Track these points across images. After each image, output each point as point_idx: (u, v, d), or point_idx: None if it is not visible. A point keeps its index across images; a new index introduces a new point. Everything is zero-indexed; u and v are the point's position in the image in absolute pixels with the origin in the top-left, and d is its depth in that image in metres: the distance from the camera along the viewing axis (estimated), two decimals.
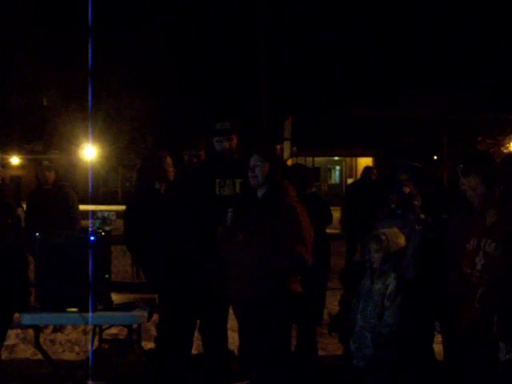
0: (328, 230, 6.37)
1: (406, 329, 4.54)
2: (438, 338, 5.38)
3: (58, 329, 7.09)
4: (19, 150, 37.91)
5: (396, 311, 4.52)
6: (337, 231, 13.15)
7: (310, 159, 31.80)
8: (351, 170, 37.33)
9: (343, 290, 5.42)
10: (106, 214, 5.14)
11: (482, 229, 4.04)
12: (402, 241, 4.76)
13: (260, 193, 4.76)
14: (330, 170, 38.82)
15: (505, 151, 31.19)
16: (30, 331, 5.95)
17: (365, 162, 34.97)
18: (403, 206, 5.25)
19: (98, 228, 5.02)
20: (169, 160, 5.75)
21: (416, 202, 5.23)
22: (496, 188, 4.04)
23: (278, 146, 8.23)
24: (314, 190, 6.40)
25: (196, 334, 5.82)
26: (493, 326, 3.86)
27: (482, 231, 4.03)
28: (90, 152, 31.41)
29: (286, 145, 34.97)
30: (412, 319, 4.58)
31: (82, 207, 8.39)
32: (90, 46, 17.48)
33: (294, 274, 4.63)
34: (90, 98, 24.14)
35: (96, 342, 5.98)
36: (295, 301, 4.69)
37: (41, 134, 34.63)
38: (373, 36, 34.34)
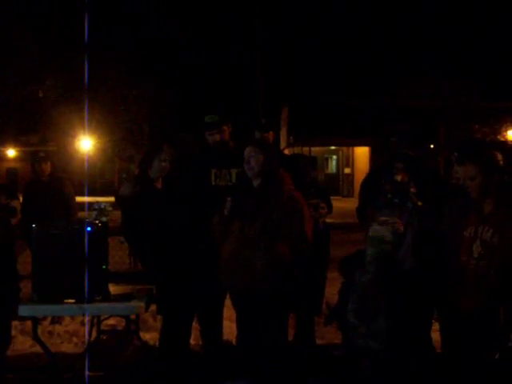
0: (327, 220, 6.37)
1: (403, 318, 4.54)
2: (436, 325, 5.38)
3: (56, 320, 7.09)
4: (15, 143, 37.80)
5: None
6: (337, 221, 13.16)
7: (306, 149, 31.81)
8: (348, 159, 37.34)
9: (343, 280, 5.42)
10: (102, 206, 5.15)
11: (479, 217, 4.05)
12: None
13: (256, 183, 4.77)
14: (326, 159, 38.82)
15: (501, 139, 31.18)
16: (28, 323, 5.94)
17: (361, 151, 34.95)
18: (399, 194, 5.24)
19: (95, 219, 5.03)
20: (164, 155, 5.63)
21: (412, 189, 5.22)
22: (494, 177, 4.03)
23: (270, 134, 8.03)
24: (312, 175, 6.44)
25: (194, 324, 5.82)
26: (491, 312, 3.88)
27: (479, 219, 4.03)
28: (86, 144, 31.34)
29: (283, 134, 34.96)
30: (409, 308, 4.59)
31: (78, 199, 8.38)
32: (86, 37, 17.44)
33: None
34: (85, 89, 24.08)
35: (94, 333, 5.98)
36: (293, 289, 4.70)
37: (37, 126, 34.53)
38: (369, 25, 34.32)
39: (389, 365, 4.55)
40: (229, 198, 4.74)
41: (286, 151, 27.65)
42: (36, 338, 5.20)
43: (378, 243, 4.52)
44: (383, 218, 4.74)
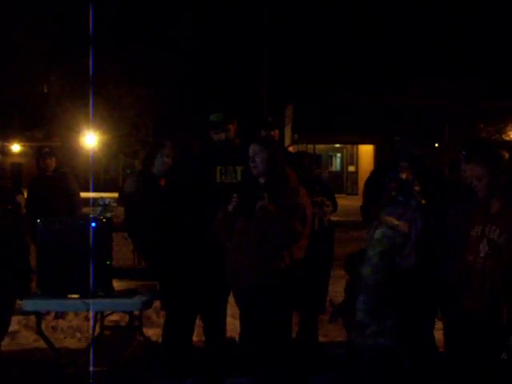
0: (332, 218, 6.37)
1: (406, 317, 4.54)
2: (439, 324, 5.38)
3: (60, 315, 7.10)
4: (20, 138, 37.88)
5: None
6: (342, 219, 13.17)
7: (310, 146, 31.79)
8: (352, 157, 37.33)
9: (349, 277, 5.42)
10: (107, 201, 5.15)
11: (486, 216, 4.04)
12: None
13: (262, 180, 4.77)
14: (331, 157, 38.81)
15: (506, 139, 31.15)
16: (32, 317, 5.95)
17: (366, 149, 34.92)
18: (404, 192, 5.24)
19: (100, 215, 5.03)
20: (167, 151, 5.63)
21: (416, 188, 5.22)
22: (502, 177, 4.03)
23: (275, 132, 7.93)
24: (316, 173, 6.43)
25: (197, 320, 5.83)
26: (494, 312, 3.88)
27: (486, 218, 4.03)
28: (90, 139, 31.38)
29: (287, 131, 34.94)
30: (411, 308, 4.58)
31: (83, 194, 8.39)
32: (91, 33, 17.44)
33: (286, 247, 4.61)
34: (90, 84, 24.09)
35: (98, 329, 5.99)
36: (294, 283, 4.69)
37: (41, 121, 34.58)
38: (376, 24, 34.27)
39: (399, 363, 4.54)
40: (235, 195, 4.73)
41: (291, 149, 27.64)
42: (40, 333, 5.21)
43: (387, 244, 4.52)
44: (393, 222, 4.70)
